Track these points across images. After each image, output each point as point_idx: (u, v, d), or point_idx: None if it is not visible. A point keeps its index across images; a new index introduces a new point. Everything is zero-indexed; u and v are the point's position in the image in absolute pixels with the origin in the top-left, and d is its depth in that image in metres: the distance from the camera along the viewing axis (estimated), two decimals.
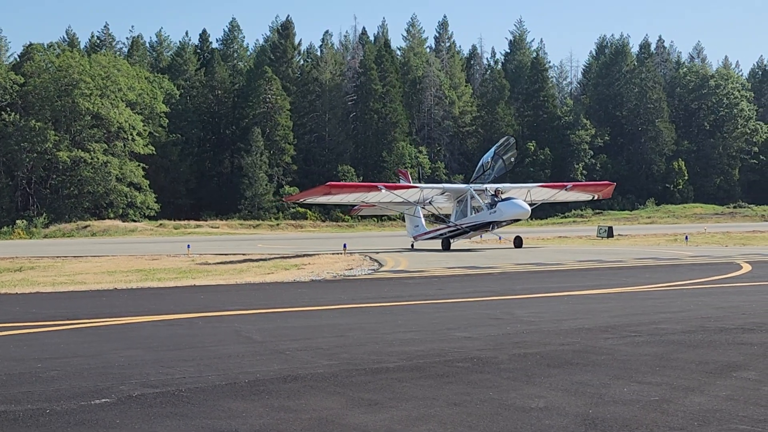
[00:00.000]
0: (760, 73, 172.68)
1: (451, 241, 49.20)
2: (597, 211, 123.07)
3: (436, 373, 10.50)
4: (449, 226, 50.44)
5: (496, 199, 47.78)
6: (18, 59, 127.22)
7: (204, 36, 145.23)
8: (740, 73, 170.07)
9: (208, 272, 31.43)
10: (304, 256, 41.50)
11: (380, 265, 34.40)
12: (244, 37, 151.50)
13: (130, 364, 11.41)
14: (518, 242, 48.29)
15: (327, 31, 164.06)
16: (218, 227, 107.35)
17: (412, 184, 53.79)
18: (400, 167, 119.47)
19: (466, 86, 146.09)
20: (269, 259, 39.87)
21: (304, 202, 64.90)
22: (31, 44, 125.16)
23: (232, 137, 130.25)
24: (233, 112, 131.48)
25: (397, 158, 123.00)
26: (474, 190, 49.39)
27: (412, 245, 52.49)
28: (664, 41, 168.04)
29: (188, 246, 50.12)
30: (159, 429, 8.06)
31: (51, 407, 8.91)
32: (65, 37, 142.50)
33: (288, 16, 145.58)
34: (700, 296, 19.70)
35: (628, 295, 20.26)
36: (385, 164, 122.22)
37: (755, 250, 40.55)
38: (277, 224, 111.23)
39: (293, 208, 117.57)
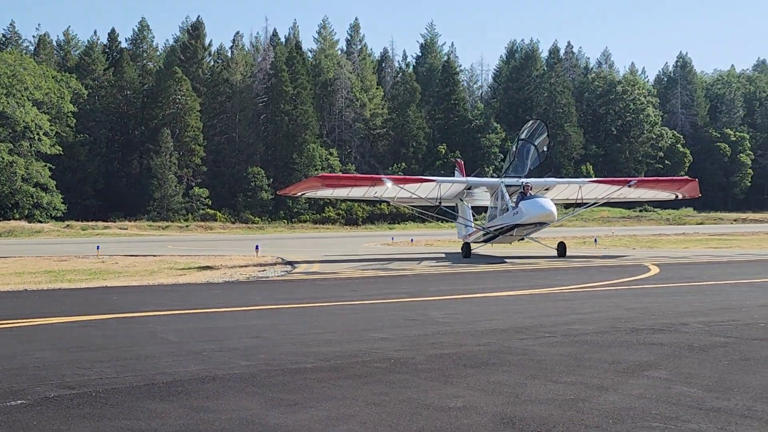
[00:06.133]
0: (666, 79, 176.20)
1: (473, 246, 41.49)
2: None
3: (354, 374, 10.54)
4: (478, 229, 42.42)
5: (523, 196, 38.74)
6: None
7: (113, 35, 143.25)
8: (646, 80, 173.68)
9: (120, 273, 31.08)
10: (215, 258, 41.24)
11: (293, 267, 34.37)
12: (153, 37, 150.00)
13: (45, 366, 11.26)
14: (562, 250, 39.83)
15: (238, 33, 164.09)
16: (127, 228, 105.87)
17: (427, 178, 43.99)
18: (311, 170, 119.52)
19: (377, 89, 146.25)
20: (181, 260, 39.54)
21: (303, 196, 60.47)
22: None
23: (141, 138, 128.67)
24: (142, 112, 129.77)
25: (307, 160, 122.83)
26: (506, 185, 40.36)
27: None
28: (573, 47, 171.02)
29: (98, 247, 49.51)
30: (77, 430, 7.99)
31: None
32: None
33: (198, 16, 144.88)
34: (612, 297, 20.10)
35: (541, 297, 20.53)
36: (296, 166, 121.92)
37: (662, 253, 41.45)
38: (187, 226, 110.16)
39: (202, 210, 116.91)
